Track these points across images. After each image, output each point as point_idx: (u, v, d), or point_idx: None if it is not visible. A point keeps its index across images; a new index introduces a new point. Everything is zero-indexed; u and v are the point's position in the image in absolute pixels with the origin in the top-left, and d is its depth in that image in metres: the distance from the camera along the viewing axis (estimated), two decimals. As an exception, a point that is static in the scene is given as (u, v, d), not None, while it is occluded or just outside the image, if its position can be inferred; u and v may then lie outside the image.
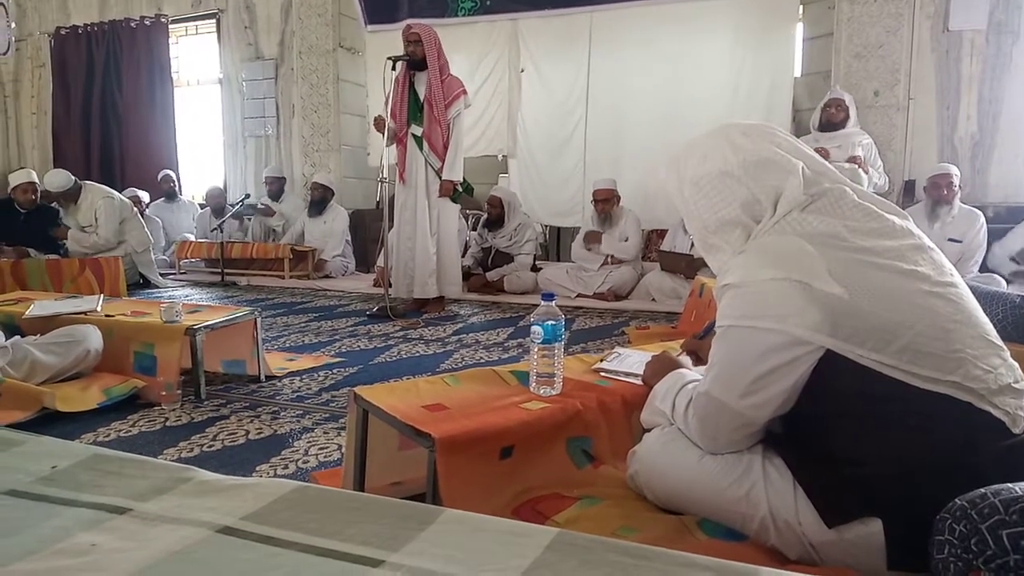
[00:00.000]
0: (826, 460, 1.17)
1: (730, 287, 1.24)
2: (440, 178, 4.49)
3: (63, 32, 8.33)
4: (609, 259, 5.43)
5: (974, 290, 1.28)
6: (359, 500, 0.83)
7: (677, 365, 1.59)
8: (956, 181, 4.66)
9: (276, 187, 7.10)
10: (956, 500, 0.96)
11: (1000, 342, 1.16)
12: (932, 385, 1.08)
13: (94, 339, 2.63)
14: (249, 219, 7.20)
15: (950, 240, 4.55)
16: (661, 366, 1.61)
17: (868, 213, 1.22)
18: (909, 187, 5.39)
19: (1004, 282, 4.24)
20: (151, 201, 7.37)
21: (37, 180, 5.49)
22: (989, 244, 4.69)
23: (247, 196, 6.98)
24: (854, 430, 1.14)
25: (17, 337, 2.60)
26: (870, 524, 1.10)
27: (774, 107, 5.75)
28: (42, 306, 2.93)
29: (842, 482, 1.14)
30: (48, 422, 2.30)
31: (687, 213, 1.39)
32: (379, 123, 4.36)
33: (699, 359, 1.66)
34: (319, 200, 6.61)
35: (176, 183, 7.67)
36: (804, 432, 1.22)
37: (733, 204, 1.28)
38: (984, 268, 4.68)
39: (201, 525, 0.75)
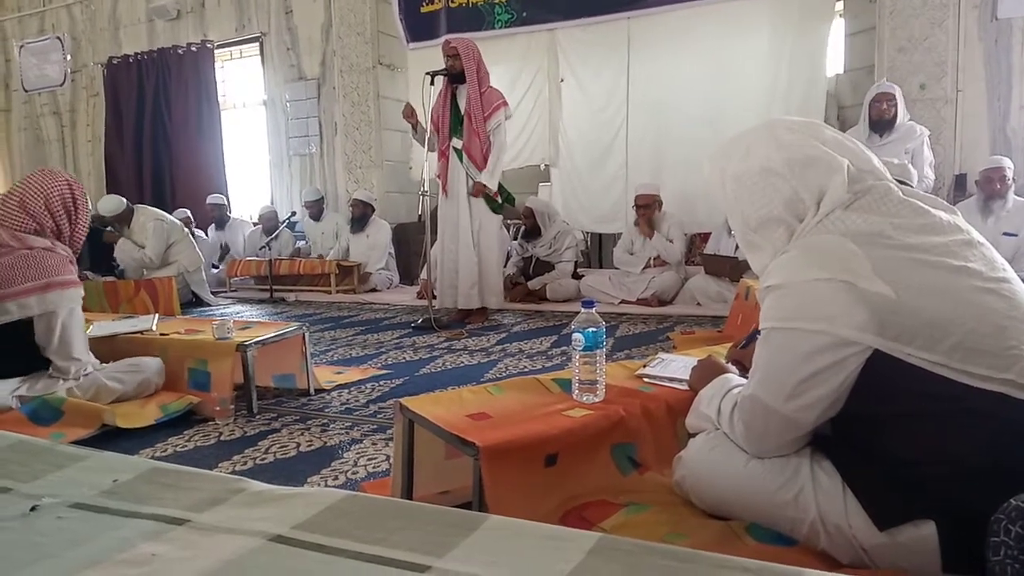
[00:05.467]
0: (876, 461, 1.15)
1: (773, 288, 1.22)
2: (481, 189, 4.53)
3: (115, 62, 8.64)
4: (652, 262, 5.39)
5: (1029, 285, 1.24)
6: (406, 508, 0.84)
7: (723, 370, 1.58)
8: (1010, 174, 4.51)
9: (316, 209, 7.21)
10: (1011, 501, 0.93)
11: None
12: (985, 383, 1.05)
13: (157, 371, 2.73)
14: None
15: (1005, 234, 4.41)
16: (707, 371, 1.60)
17: (914, 209, 1.19)
18: (960, 181, 5.24)
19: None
20: (205, 226, 7.58)
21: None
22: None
23: (294, 214, 7.15)
24: (904, 431, 1.12)
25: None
26: (923, 526, 1.08)
27: (813, 104, 5.65)
28: (101, 327, 3.04)
29: (893, 484, 1.11)
30: (109, 438, 2.38)
31: (729, 209, 1.37)
32: (408, 112, 4.49)
33: (744, 368, 1.63)
34: (359, 217, 6.72)
35: (228, 206, 7.78)
36: (853, 433, 1.20)
37: (776, 202, 1.26)
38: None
39: (255, 534, 0.77)
